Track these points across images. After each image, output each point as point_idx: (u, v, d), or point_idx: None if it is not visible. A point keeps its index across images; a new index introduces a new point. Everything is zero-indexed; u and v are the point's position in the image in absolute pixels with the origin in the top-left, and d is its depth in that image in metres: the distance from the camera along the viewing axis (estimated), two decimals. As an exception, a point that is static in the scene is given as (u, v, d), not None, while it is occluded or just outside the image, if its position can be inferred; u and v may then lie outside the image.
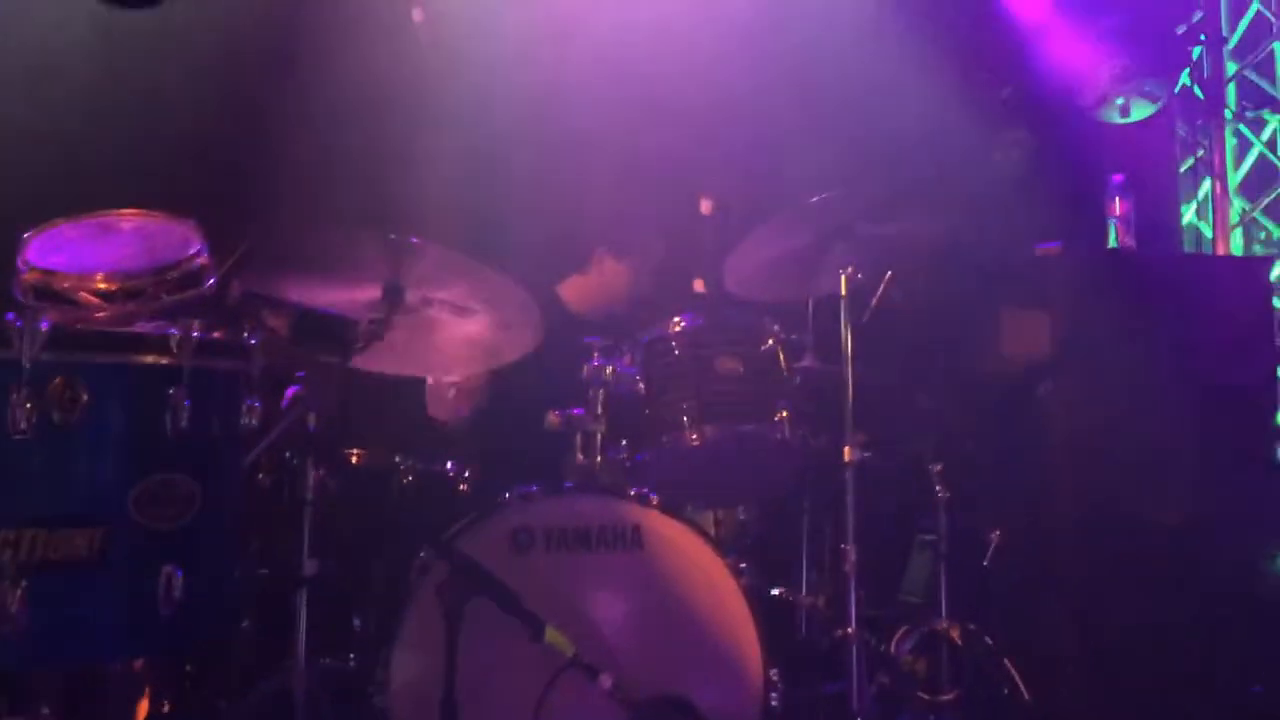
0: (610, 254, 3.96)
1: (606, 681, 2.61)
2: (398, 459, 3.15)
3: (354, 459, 3.15)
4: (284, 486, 2.95)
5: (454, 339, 3.08)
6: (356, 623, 3.13)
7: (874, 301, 3.78)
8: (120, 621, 2.29)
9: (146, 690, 2.58)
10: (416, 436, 3.48)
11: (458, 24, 4.36)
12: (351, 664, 3.04)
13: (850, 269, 3.26)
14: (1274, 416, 4.00)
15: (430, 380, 3.49)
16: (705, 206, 3.46)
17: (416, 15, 3.73)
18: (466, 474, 3.23)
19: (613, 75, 4.68)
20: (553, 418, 3.16)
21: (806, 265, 3.36)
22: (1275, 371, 4.03)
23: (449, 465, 3.24)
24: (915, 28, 4.90)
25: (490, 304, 2.95)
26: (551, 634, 2.51)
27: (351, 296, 2.88)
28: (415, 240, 2.73)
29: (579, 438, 3.15)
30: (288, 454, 2.99)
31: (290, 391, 3.00)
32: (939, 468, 3.64)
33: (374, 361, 2.97)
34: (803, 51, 4.86)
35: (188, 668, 2.81)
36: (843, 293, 3.26)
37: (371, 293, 2.87)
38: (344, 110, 4.42)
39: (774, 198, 3.62)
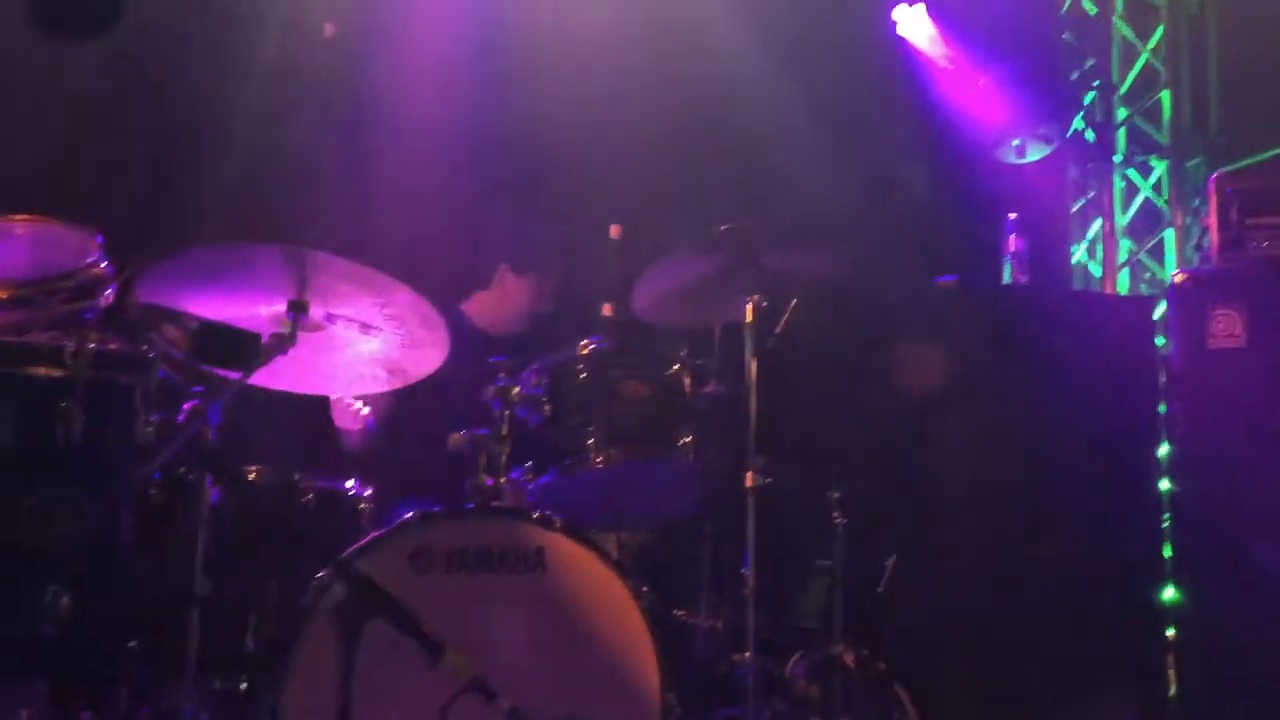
0: (511, 270, 3.97)
1: (505, 704, 2.58)
2: (297, 477, 3.10)
3: (252, 476, 3.09)
4: (178, 503, 2.88)
5: (359, 356, 3.05)
6: (250, 644, 3.06)
7: (778, 330, 3.84)
8: (4, 642, 2.21)
9: (32, 713, 2.49)
10: (317, 454, 3.43)
11: (368, 39, 4.35)
12: (243, 686, 2.97)
13: (756, 297, 3.32)
14: (1156, 450, 4.15)
15: (334, 398, 3.44)
16: (614, 231, 3.49)
17: (328, 30, 3.71)
18: (368, 493, 3.19)
19: (525, 95, 4.70)
20: (457, 438, 3.14)
21: (713, 292, 3.41)
22: (1158, 407, 4.19)
23: (350, 484, 3.19)
24: (822, 64, 5.02)
25: (396, 321, 2.93)
26: (450, 656, 2.47)
27: (254, 311, 2.84)
28: (321, 255, 2.70)
29: (483, 458, 3.13)
30: (183, 469, 2.92)
31: (187, 406, 2.93)
32: (838, 495, 3.71)
33: (276, 377, 2.93)
34: (713, 81, 4.94)
35: (74, 690, 2.72)
36: (748, 320, 3.31)
37: (275, 307, 2.83)
38: (249, 123, 4.36)
39: (683, 224, 3.67)
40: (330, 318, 2.91)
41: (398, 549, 2.83)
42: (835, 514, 3.69)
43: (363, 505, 3.17)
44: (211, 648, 2.76)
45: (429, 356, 3.05)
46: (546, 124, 4.72)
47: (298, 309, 2.81)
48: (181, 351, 2.59)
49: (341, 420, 3.50)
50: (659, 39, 4.86)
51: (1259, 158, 4.93)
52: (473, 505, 3.09)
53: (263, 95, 4.41)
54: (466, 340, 3.62)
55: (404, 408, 3.70)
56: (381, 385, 3.16)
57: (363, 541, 2.86)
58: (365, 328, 2.93)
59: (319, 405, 3.47)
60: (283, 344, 2.78)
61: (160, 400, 2.46)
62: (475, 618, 2.83)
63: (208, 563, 2.71)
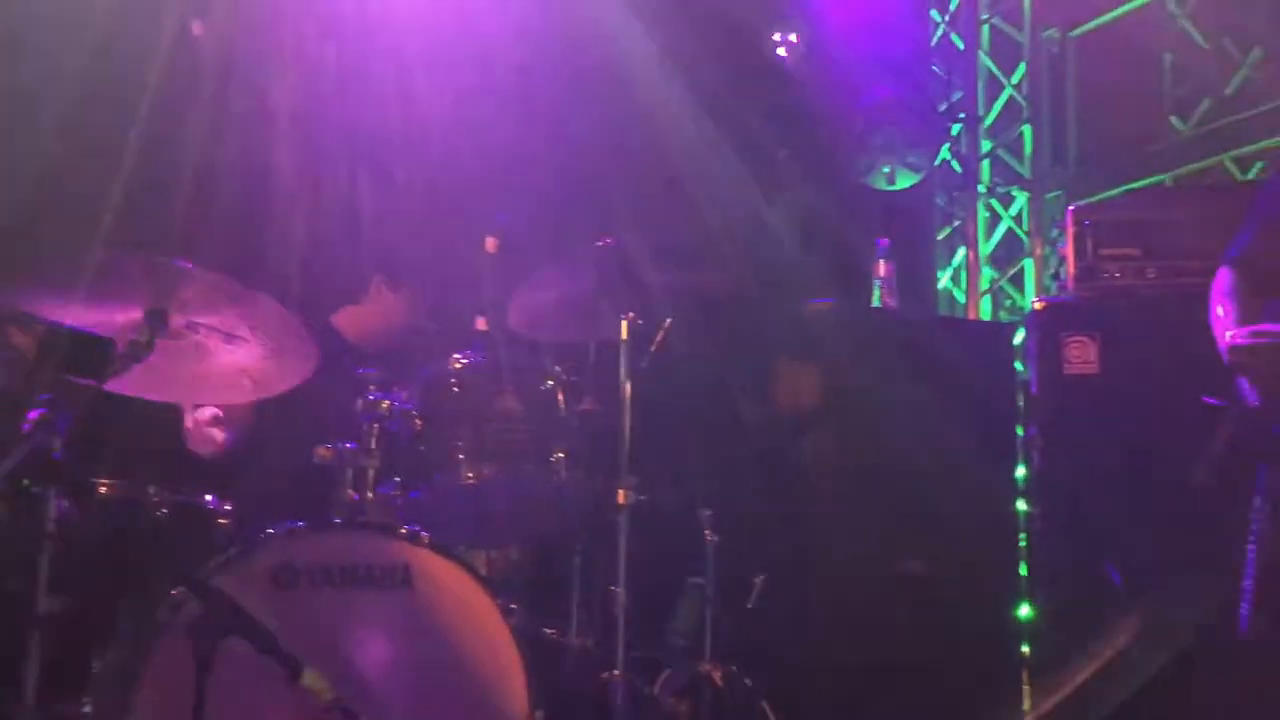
0: (386, 283, 3.89)
1: (366, 725, 2.53)
2: (151, 490, 2.98)
3: (102, 489, 2.95)
4: (21, 517, 2.74)
5: (222, 366, 2.95)
6: (96, 665, 2.92)
7: (653, 347, 3.85)
8: None
9: None
10: (174, 467, 3.31)
11: (239, 39, 4.23)
12: (87, 710, 2.83)
13: (631, 314, 3.32)
14: (1014, 471, 4.29)
15: (191, 409, 3.32)
16: (490, 244, 3.45)
17: (195, 29, 3.60)
18: (227, 507, 3.09)
19: (402, 101, 4.63)
20: (323, 451, 3.06)
21: (589, 308, 3.40)
22: (1015, 429, 4.33)
23: (208, 498, 3.08)
24: (701, 86, 5.07)
25: (261, 332, 2.85)
26: (310, 676, 2.41)
27: (111, 317, 2.73)
28: (181, 265, 2.62)
29: (349, 473, 3.06)
30: (26, 482, 2.78)
31: (33, 415, 2.80)
32: (710, 513, 3.73)
33: (133, 386, 2.82)
34: (595, 100, 4.95)
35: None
36: (624, 337, 3.31)
37: (133, 314, 2.72)
38: (109, 126, 4.20)
39: (560, 240, 3.66)
40: (192, 326, 2.81)
41: (257, 565, 2.74)
42: (707, 531, 3.71)
43: (221, 520, 3.06)
44: (55, 669, 2.63)
45: (296, 368, 2.97)
46: (424, 132, 4.66)
47: (156, 317, 2.72)
48: (28, 357, 2.47)
49: (195, 442, 3.38)
50: (544, 51, 4.85)
51: (1113, 192, 5.17)
52: (339, 520, 3.01)
53: (125, 96, 4.25)
54: (336, 353, 3.54)
55: (269, 420, 3.60)
56: (246, 396, 3.06)
57: (221, 558, 2.76)
58: (229, 337, 2.85)
59: (176, 417, 3.35)
60: (139, 352, 2.68)
61: (4, 409, 2.33)
62: (338, 636, 2.77)
63: (53, 580, 2.58)
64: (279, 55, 4.43)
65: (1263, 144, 4.94)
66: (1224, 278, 3.10)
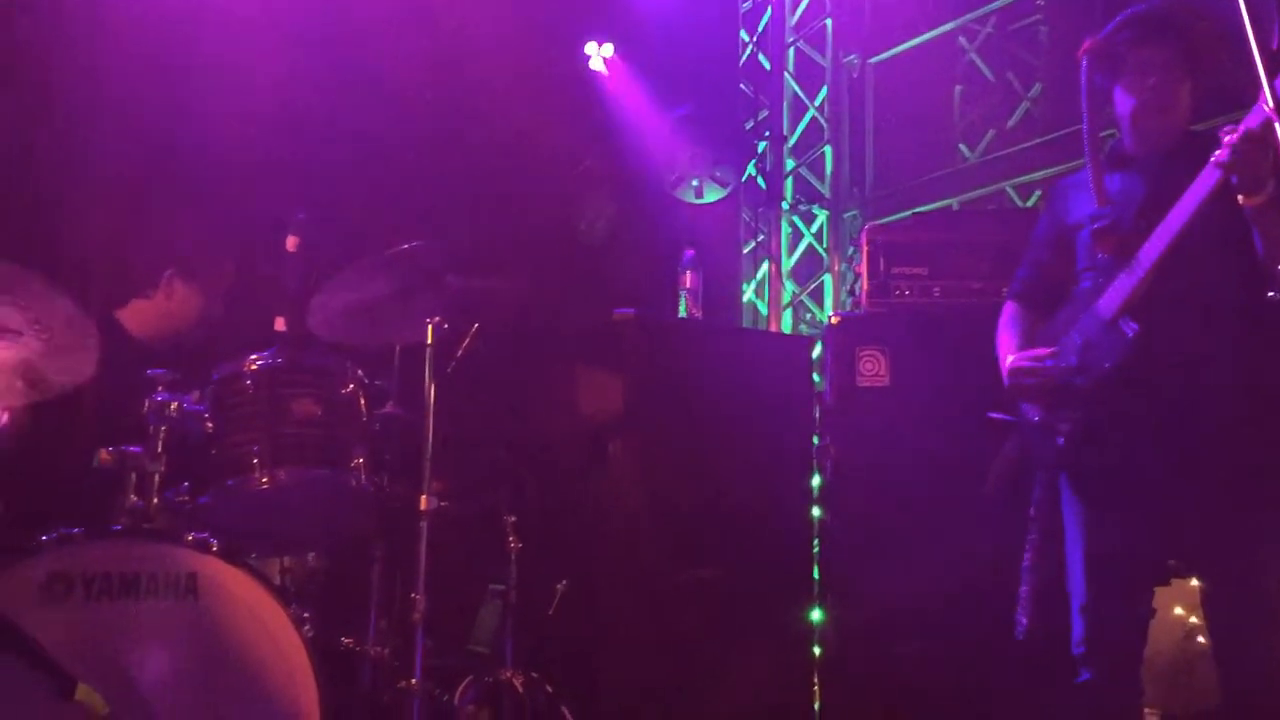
0: (179, 276, 3.70)
1: (146, 742, 2.42)
2: (-91, 494, 2.77)
3: None
4: None
5: (-8, 362, 2.77)
6: None
7: (459, 353, 3.82)
8: None
9: None
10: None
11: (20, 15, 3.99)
12: None
13: (437, 319, 3.29)
14: (809, 479, 4.44)
15: None
16: (291, 243, 3.35)
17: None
18: (-4, 513, 2.90)
19: (198, 87, 4.45)
20: (104, 455, 2.90)
21: (393, 311, 3.35)
22: (812, 439, 4.49)
23: (-26, 504, 2.89)
24: (513, 92, 5.07)
25: (38, 326, 2.68)
26: (83, 692, 2.29)
27: None
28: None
29: (133, 477, 2.91)
30: None
31: None
32: (512, 519, 3.73)
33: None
34: (401, 100, 4.88)
35: None
36: (428, 341, 3.27)
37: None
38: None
39: (364, 241, 3.58)
40: (-41, 318, 2.63)
41: (29, 575, 2.58)
42: (509, 538, 3.70)
43: (-11, 526, 2.87)
44: None
45: (76, 365, 2.81)
46: (222, 122, 4.48)
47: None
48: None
49: None
50: (353, 49, 4.75)
51: (905, 214, 5.42)
52: (119, 527, 2.87)
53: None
54: (121, 349, 3.37)
55: (45, 420, 3.39)
56: (19, 398, 2.88)
57: (-14, 567, 2.59)
58: (2, 331, 2.67)
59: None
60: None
61: None
62: (118, 649, 2.63)
63: None
64: (73, 35, 4.20)
65: (1042, 173, 5.27)
66: (1006, 310, 3.31)
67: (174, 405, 3.01)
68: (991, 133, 5.63)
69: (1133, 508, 2.91)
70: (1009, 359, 3.15)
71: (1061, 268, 3.16)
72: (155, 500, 2.93)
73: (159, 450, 2.96)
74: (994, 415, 3.20)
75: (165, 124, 4.34)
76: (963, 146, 5.73)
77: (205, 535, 2.81)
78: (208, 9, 4.44)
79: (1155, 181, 2.97)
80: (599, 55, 5.46)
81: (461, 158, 5.01)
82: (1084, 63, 3.05)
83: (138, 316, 3.72)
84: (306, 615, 2.89)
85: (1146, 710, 3.05)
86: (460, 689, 3.61)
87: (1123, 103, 3.06)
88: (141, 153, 4.27)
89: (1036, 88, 5.55)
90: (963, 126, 5.76)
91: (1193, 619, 3.67)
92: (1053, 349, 3.04)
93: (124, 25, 4.26)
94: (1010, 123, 5.59)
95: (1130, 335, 2.84)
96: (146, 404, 2.99)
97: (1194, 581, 3.02)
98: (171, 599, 2.70)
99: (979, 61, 5.74)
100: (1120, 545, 2.93)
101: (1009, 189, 5.44)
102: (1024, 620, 3.26)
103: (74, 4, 4.24)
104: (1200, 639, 3.57)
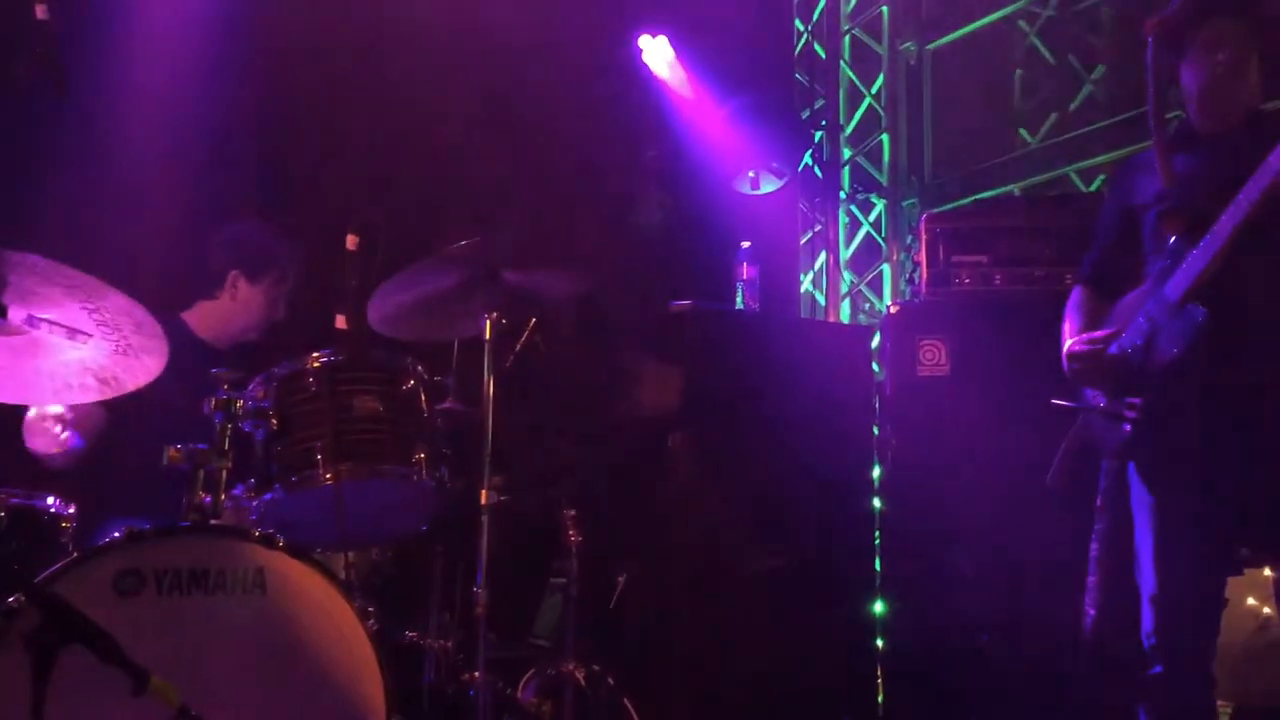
0: (244, 278, 3.79)
1: (217, 735, 2.46)
2: (-12, 493, 2.84)
3: (-66, 493, 2.81)
4: None
5: (66, 364, 2.83)
6: (-75, 678, 2.77)
7: (517, 347, 3.84)
8: None
9: None
10: (12, 469, 3.16)
11: (88, 27, 4.07)
12: (-85, 725, 2.69)
13: (495, 314, 3.30)
14: (870, 470, 4.40)
15: (28, 418, 3.17)
16: (351, 241, 3.38)
17: (39, 12, 3.44)
18: (70, 511, 2.96)
19: (263, 95, 4.53)
20: (173, 453, 2.95)
21: (452, 308, 3.37)
22: (872, 429, 4.45)
23: (50, 501, 2.95)
24: (568, 87, 5.08)
25: (108, 327, 2.74)
26: (157, 684, 2.33)
27: (-58, 311, 2.60)
28: (19, 255, 2.50)
29: (200, 474, 2.97)
30: None
31: None
32: (573, 513, 3.74)
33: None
34: (457, 98, 4.91)
35: None
36: (487, 337, 3.29)
37: (-34, 308, 2.59)
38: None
39: (422, 238, 3.61)
40: (33, 321, 2.69)
41: (101, 571, 2.63)
42: (570, 531, 3.72)
43: (65, 524, 2.93)
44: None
45: (145, 365, 2.87)
46: (285, 126, 4.56)
47: (-8, 311, 2.59)
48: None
49: (36, 444, 3.23)
50: (406, 50, 4.79)
51: (964, 201, 5.36)
52: (188, 524, 2.92)
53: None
54: (187, 350, 3.44)
55: (116, 420, 3.47)
56: (91, 395, 2.94)
57: (62, 563, 2.65)
58: (73, 333, 2.73)
59: (16, 415, 3.20)
60: (-27, 348, 2.55)
61: None
62: (188, 643, 2.67)
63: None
64: (134, 44, 4.29)
65: (1105, 157, 5.18)
66: (1074, 295, 3.26)
67: (239, 403, 3.06)
68: (1053, 116, 5.53)
69: (1203, 496, 2.85)
70: (1067, 342, 3.10)
71: (1130, 251, 3.10)
72: (222, 497, 2.98)
73: (225, 447, 3.00)
74: (1058, 402, 3.15)
75: (230, 129, 4.42)
76: (1023, 131, 5.64)
77: (271, 531, 2.85)
78: (279, 15, 4.52)
79: (1224, 161, 2.90)
80: (653, 48, 5.45)
81: (517, 154, 5.03)
82: (1150, 40, 2.99)
83: (204, 317, 3.80)
84: (371, 609, 2.93)
85: (1219, 703, 2.99)
86: (523, 681, 3.63)
87: (1190, 80, 2.99)
88: (206, 158, 4.35)
89: (1099, 69, 5.45)
90: (1023, 111, 5.67)
91: (1266, 609, 3.60)
92: (1110, 331, 2.99)
93: (192, 28, 4.34)
94: (1072, 106, 5.49)
95: (1199, 320, 2.78)
96: (212, 402, 3.04)
97: (1266, 571, 2.95)
98: (240, 593, 2.74)
99: (1039, 44, 5.65)
100: (1190, 535, 2.87)
101: (1072, 174, 5.35)
102: (1092, 611, 3.21)
103: (142, 8, 4.32)
104: (1273, 629, 3.50)
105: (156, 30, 4.35)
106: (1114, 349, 2.97)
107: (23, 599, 2.51)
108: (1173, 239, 2.92)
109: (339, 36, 4.67)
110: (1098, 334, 3.02)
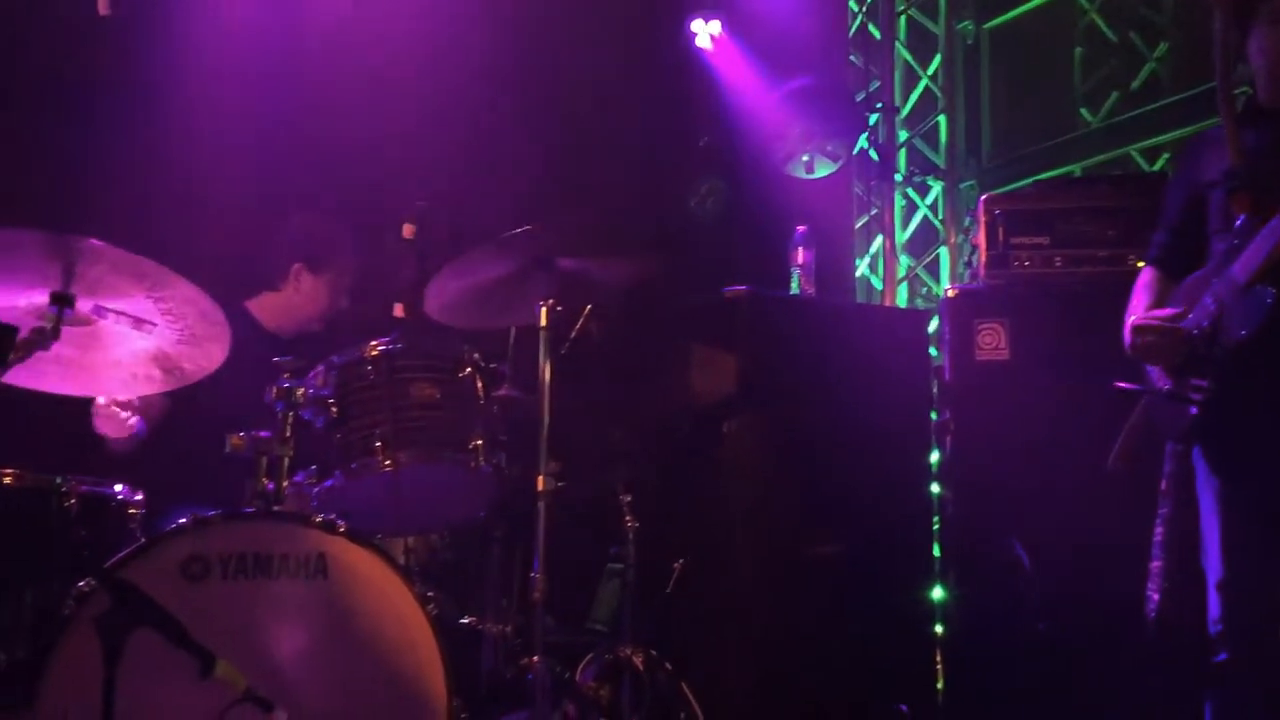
0: (307, 269, 3.85)
1: (281, 716, 2.50)
2: (59, 480, 2.91)
3: (8, 479, 2.88)
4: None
5: (131, 354, 2.89)
6: (1, 659, 2.85)
7: (573, 334, 3.86)
8: None
9: None
10: (83, 456, 3.23)
11: (151, 23, 4.14)
12: (-8, 705, 2.77)
13: (550, 301, 3.31)
14: (928, 456, 4.37)
15: (97, 404, 3.24)
16: (407, 230, 3.42)
17: (102, 7, 3.51)
18: (138, 498, 3.03)
19: (321, 87, 4.58)
20: (235, 440, 3.01)
21: (508, 295, 3.39)
22: (930, 414, 4.41)
23: (118, 488, 3.02)
24: (621, 73, 5.08)
25: (173, 317, 2.79)
26: (223, 667, 2.38)
27: (12, 302, 2.66)
28: (89, 242, 2.55)
29: (264, 462, 3.02)
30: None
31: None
32: (629, 498, 3.75)
33: (38, 376, 2.75)
34: (513, 85, 4.93)
35: None
36: (542, 324, 3.31)
37: (36, 299, 2.65)
38: (16, 103, 4.09)
39: (477, 226, 3.64)
40: (100, 311, 2.75)
41: (168, 556, 2.70)
42: (626, 517, 3.73)
43: (133, 510, 3.00)
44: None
45: (208, 354, 2.92)
46: (342, 118, 4.61)
47: (62, 301, 2.65)
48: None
49: (105, 428, 3.30)
50: (459, 37, 4.81)
51: (1024, 182, 5.28)
52: (252, 510, 2.97)
53: (33, 76, 4.14)
54: (250, 339, 3.49)
55: (181, 408, 3.54)
56: (156, 386, 3.00)
57: (130, 548, 2.71)
58: (139, 323, 2.79)
59: (85, 403, 3.27)
60: (44, 339, 2.62)
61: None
62: (253, 626, 2.73)
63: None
64: (194, 39, 4.35)
65: (1169, 136, 5.08)
66: (1142, 275, 3.20)
67: (300, 391, 3.11)
68: (1115, 95, 5.43)
69: (1270, 480, 2.79)
70: (1131, 318, 3.05)
71: (1199, 230, 3.04)
72: (285, 483, 3.03)
73: (286, 435, 3.05)
74: (1121, 385, 3.09)
75: (294, 122, 4.48)
76: (1084, 111, 5.54)
77: (333, 517, 2.89)
78: (339, 14, 4.57)
79: (1293, 138, 2.84)
80: (706, 32, 5.42)
81: (571, 140, 5.04)
82: (1217, 14, 2.93)
83: (267, 308, 3.87)
84: (431, 594, 2.96)
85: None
86: (581, 666, 3.65)
87: (1258, 54, 2.92)
88: (271, 152, 4.42)
89: (1162, 47, 5.33)
90: (1084, 90, 5.57)
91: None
92: (1176, 311, 2.93)
93: (253, 28, 4.40)
94: (1135, 84, 5.39)
95: (1269, 301, 2.72)
96: (274, 390, 3.09)
97: (1337, 557, 2.88)
98: (303, 578, 2.79)
99: (1100, 22, 5.54)
100: (1258, 519, 2.82)
101: (1134, 153, 5.25)
102: (1155, 597, 3.17)
103: (198, 11, 4.39)
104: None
105: (218, 25, 4.42)
106: (1177, 325, 2.92)
107: (93, 584, 2.57)
108: (1240, 218, 2.85)
109: (392, 26, 4.70)
110: (1166, 311, 2.96)
